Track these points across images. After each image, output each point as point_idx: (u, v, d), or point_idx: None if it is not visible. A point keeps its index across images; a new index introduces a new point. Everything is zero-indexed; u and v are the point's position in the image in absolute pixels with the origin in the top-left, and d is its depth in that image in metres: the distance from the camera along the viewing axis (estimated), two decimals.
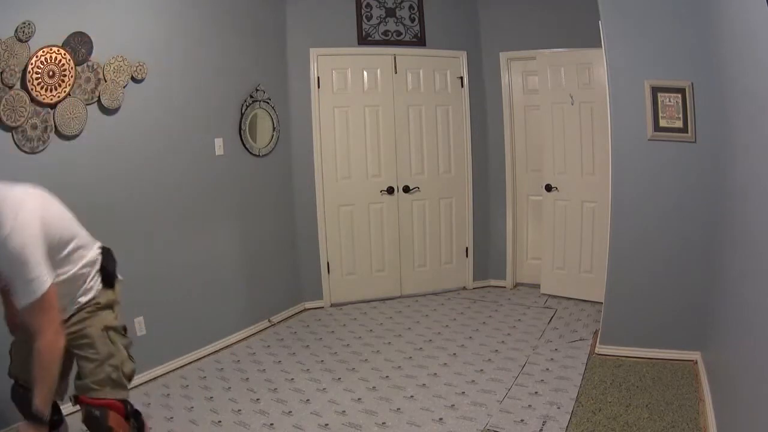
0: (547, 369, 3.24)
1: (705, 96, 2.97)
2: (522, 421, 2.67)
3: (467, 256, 4.94)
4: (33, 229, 1.70)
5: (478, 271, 4.98)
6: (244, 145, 3.97)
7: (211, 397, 3.07)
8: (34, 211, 1.73)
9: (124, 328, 2.09)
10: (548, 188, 4.53)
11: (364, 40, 4.52)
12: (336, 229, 4.60)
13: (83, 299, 1.96)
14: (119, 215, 3.13)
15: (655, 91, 3.10)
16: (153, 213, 3.34)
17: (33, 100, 2.64)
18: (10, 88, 2.54)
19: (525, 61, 4.63)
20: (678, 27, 3.02)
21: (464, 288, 4.96)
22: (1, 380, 2.58)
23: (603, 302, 3.43)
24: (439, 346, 3.70)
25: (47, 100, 2.69)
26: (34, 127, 2.67)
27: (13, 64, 2.53)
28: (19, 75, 2.57)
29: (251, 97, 3.99)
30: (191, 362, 3.57)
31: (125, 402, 2.00)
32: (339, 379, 3.26)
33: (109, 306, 2.04)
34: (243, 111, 3.93)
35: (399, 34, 4.59)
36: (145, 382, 3.26)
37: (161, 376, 3.36)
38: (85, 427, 2.01)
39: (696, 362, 3.13)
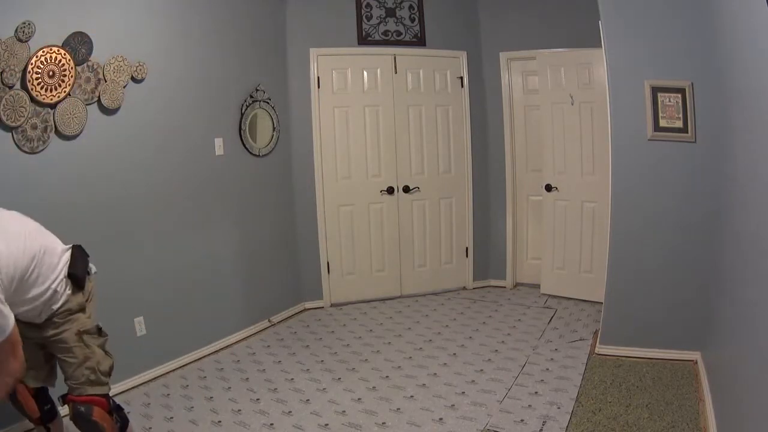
0: (547, 369, 3.24)
1: (705, 96, 2.97)
2: (522, 421, 2.67)
3: (467, 256, 4.94)
4: None
5: (478, 271, 4.98)
6: (244, 145, 3.97)
7: (211, 397, 3.07)
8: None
9: (99, 328, 2.14)
10: (548, 188, 4.53)
11: (364, 40, 4.52)
12: (336, 229, 4.60)
13: (55, 306, 2.01)
14: (119, 215, 3.13)
15: (655, 91, 3.10)
16: (153, 213, 3.34)
17: (33, 100, 2.63)
18: (10, 88, 2.54)
19: (525, 61, 4.63)
20: (678, 27, 3.01)
21: (464, 288, 4.96)
22: None
23: (603, 302, 3.43)
24: (439, 346, 3.70)
25: (47, 100, 2.69)
26: (34, 127, 2.67)
27: (13, 64, 2.53)
28: (19, 75, 2.57)
29: (251, 97, 3.99)
30: (191, 362, 3.57)
31: (108, 397, 2.10)
32: (339, 379, 3.26)
33: (81, 309, 2.10)
34: (243, 111, 3.93)
35: (399, 34, 4.59)
36: (145, 382, 3.26)
37: (161, 376, 3.36)
38: (78, 429, 2.10)
39: (696, 362, 3.13)
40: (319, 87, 4.44)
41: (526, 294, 4.75)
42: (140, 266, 3.25)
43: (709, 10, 2.81)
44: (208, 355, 3.69)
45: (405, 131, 4.67)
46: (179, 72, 3.48)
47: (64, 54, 2.73)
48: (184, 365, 3.51)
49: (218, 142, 3.76)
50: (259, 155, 4.10)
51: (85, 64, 2.87)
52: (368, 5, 4.52)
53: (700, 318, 3.09)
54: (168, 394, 3.13)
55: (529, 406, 2.81)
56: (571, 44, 4.29)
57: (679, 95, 3.04)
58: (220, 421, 2.79)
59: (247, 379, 3.31)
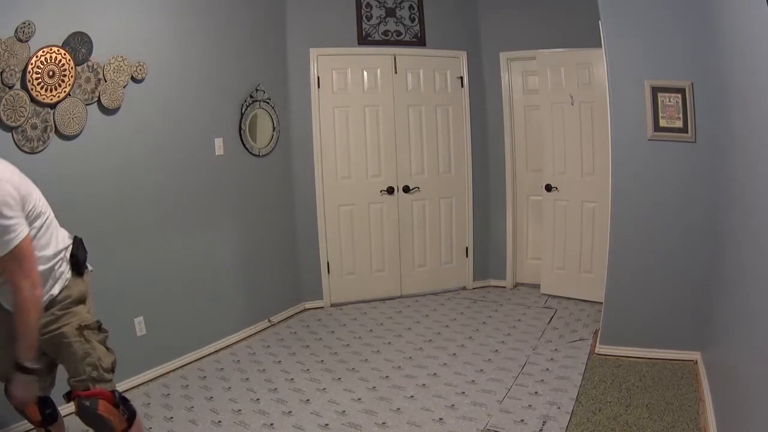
0: (547, 369, 3.24)
1: (705, 96, 2.97)
2: (522, 421, 2.67)
3: (467, 256, 4.94)
4: (8, 188, 1.76)
5: (478, 271, 4.98)
6: (244, 145, 3.97)
7: (211, 397, 3.07)
8: (8, 173, 1.81)
9: (99, 324, 2.11)
10: (548, 188, 4.53)
11: (364, 40, 4.52)
12: (336, 229, 4.60)
13: (55, 290, 1.99)
14: (119, 215, 3.13)
15: (655, 91, 3.10)
16: (153, 213, 3.34)
17: (33, 100, 2.63)
18: (10, 88, 2.54)
19: (525, 61, 4.63)
20: (678, 27, 3.01)
21: (464, 288, 4.96)
22: None
23: (603, 302, 3.43)
24: (439, 346, 3.70)
25: (47, 100, 2.69)
26: (34, 127, 2.67)
27: (13, 64, 2.53)
28: (19, 75, 2.57)
29: (251, 97, 3.99)
30: (191, 362, 3.57)
31: (113, 391, 2.08)
32: (339, 379, 3.26)
33: (82, 300, 2.07)
34: (243, 111, 3.93)
35: (399, 34, 4.59)
36: (145, 382, 3.26)
37: (161, 376, 3.36)
38: (86, 428, 2.08)
39: (696, 362, 3.13)
40: (319, 87, 4.44)
41: (526, 294, 4.75)
42: (140, 266, 3.25)
43: (709, 10, 2.81)
44: (208, 355, 3.69)
45: (405, 131, 4.67)
46: (179, 72, 3.48)
47: (64, 54, 2.73)
48: (184, 365, 3.51)
49: (218, 142, 3.76)
50: (259, 155, 4.10)
51: (85, 64, 2.87)
52: (368, 5, 4.52)
53: (700, 318, 3.09)
54: (168, 394, 3.13)
55: (529, 406, 2.81)
56: (571, 44, 4.28)
57: (679, 95, 3.04)
58: (220, 421, 2.79)
59: (247, 379, 3.31)
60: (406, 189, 4.71)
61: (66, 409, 2.63)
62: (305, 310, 4.58)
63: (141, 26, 3.22)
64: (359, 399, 2.99)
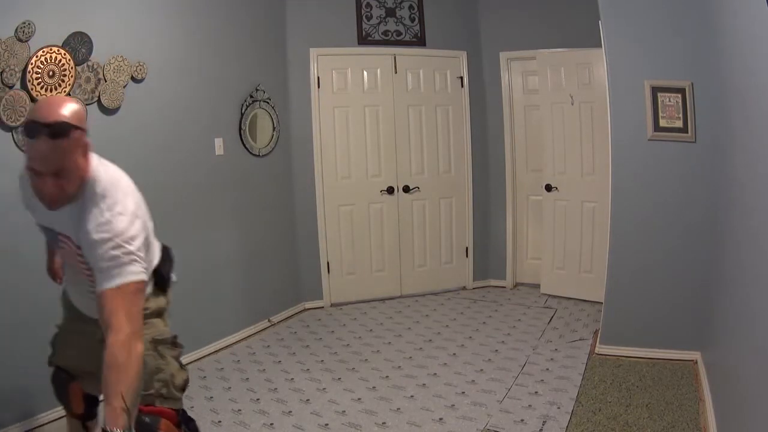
0: (547, 369, 3.24)
1: (705, 96, 2.97)
2: (522, 421, 2.67)
3: (467, 256, 4.94)
4: (141, 221, 1.66)
5: (478, 271, 4.98)
6: (244, 145, 3.97)
7: (211, 397, 3.07)
8: (142, 209, 1.71)
9: (174, 338, 1.94)
10: (548, 188, 4.53)
11: (364, 40, 4.52)
12: (336, 229, 4.60)
13: None
14: None
15: (655, 91, 3.10)
16: (153, 213, 3.31)
17: (33, 100, 2.63)
18: (10, 88, 2.54)
19: (525, 61, 4.63)
20: (678, 27, 3.02)
21: (464, 288, 4.96)
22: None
23: (603, 302, 3.44)
24: (439, 346, 3.70)
25: None
26: None
27: (13, 64, 2.53)
28: (19, 75, 2.57)
29: (251, 97, 3.99)
30: (191, 362, 3.56)
31: (179, 410, 1.88)
32: (339, 379, 3.26)
33: (160, 313, 1.94)
34: (243, 111, 3.93)
35: (399, 34, 4.59)
36: None
37: None
38: None
39: (696, 362, 3.13)
40: (319, 87, 4.44)
41: (526, 294, 4.75)
42: None
43: (709, 10, 2.81)
44: (208, 355, 3.69)
45: (405, 131, 4.67)
46: (179, 72, 3.47)
47: (64, 54, 2.73)
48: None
49: (218, 142, 3.76)
50: (259, 155, 4.10)
51: (85, 64, 2.87)
52: (368, 5, 4.52)
53: (700, 318, 3.09)
54: None
55: (529, 406, 2.81)
56: (571, 44, 4.29)
57: (679, 95, 3.04)
58: (220, 421, 2.79)
59: (247, 379, 3.31)
60: (406, 189, 4.71)
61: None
62: (305, 310, 4.58)
63: (141, 26, 3.22)
64: (359, 399, 2.99)
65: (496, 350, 3.57)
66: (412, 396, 3.00)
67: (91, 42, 2.88)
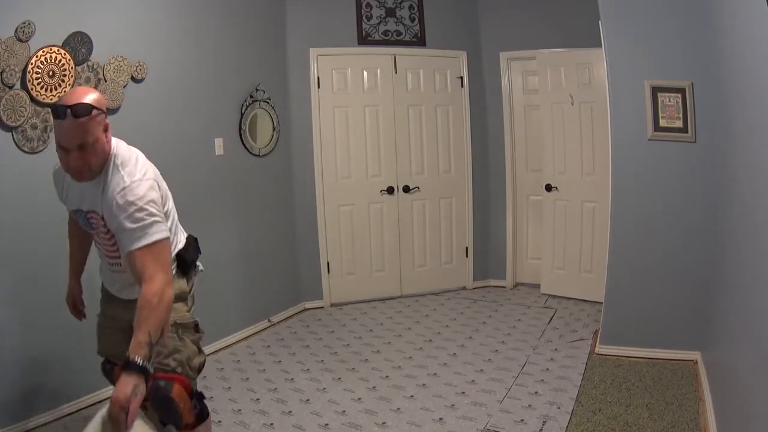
0: (547, 369, 3.24)
1: (705, 96, 2.97)
2: (522, 421, 2.67)
3: (467, 256, 4.94)
4: (158, 189, 1.82)
5: (478, 271, 4.98)
6: (244, 145, 3.96)
7: (211, 397, 3.07)
8: (152, 172, 1.86)
9: (196, 325, 2.01)
10: (548, 188, 4.53)
11: (364, 40, 4.52)
12: (336, 229, 4.60)
13: None
14: None
15: (655, 91, 3.10)
16: None
17: (33, 100, 2.63)
18: (10, 88, 2.54)
19: (525, 61, 4.63)
20: (678, 27, 3.02)
21: (464, 288, 4.96)
22: (8, 376, 2.59)
23: (603, 302, 3.44)
24: (439, 346, 3.70)
25: (47, 100, 2.68)
26: (34, 127, 2.66)
27: (13, 64, 2.53)
28: (19, 75, 2.57)
29: (251, 97, 3.99)
30: None
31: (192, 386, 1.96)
32: (339, 379, 3.26)
33: (182, 297, 1.99)
34: (243, 111, 3.93)
35: (399, 34, 4.59)
36: None
37: None
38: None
39: (696, 362, 3.13)
40: (319, 87, 4.44)
41: (526, 294, 4.75)
42: None
43: (709, 10, 2.81)
44: (208, 355, 3.67)
45: (405, 131, 4.67)
46: (179, 72, 3.47)
47: (64, 54, 2.73)
48: None
49: (218, 142, 3.76)
50: (259, 155, 4.10)
51: (85, 64, 2.87)
52: (368, 5, 4.52)
53: (700, 318, 3.09)
54: None
55: (529, 406, 2.81)
56: (571, 44, 4.29)
57: (679, 95, 3.04)
58: (220, 421, 2.79)
59: (247, 379, 3.31)
60: (406, 189, 4.71)
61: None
62: (305, 310, 4.58)
63: (141, 26, 3.22)
64: (359, 399, 2.99)
65: (496, 350, 3.57)
66: (412, 396, 3.00)
67: (91, 42, 2.88)
